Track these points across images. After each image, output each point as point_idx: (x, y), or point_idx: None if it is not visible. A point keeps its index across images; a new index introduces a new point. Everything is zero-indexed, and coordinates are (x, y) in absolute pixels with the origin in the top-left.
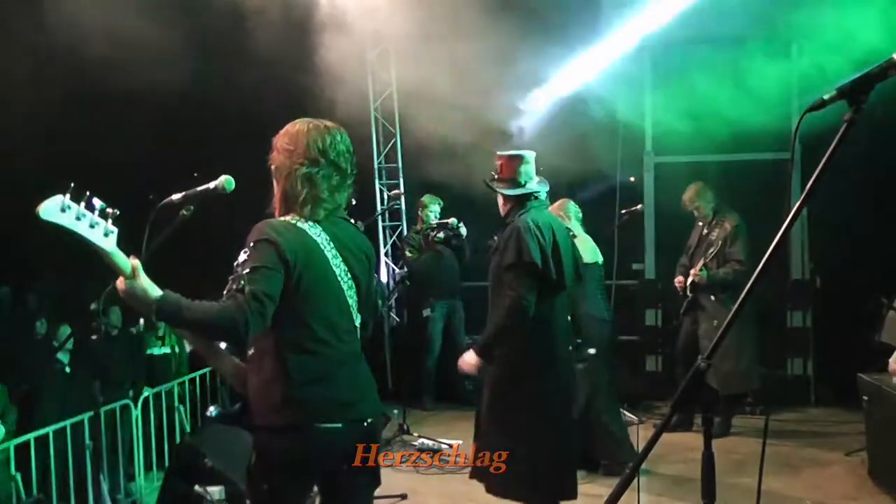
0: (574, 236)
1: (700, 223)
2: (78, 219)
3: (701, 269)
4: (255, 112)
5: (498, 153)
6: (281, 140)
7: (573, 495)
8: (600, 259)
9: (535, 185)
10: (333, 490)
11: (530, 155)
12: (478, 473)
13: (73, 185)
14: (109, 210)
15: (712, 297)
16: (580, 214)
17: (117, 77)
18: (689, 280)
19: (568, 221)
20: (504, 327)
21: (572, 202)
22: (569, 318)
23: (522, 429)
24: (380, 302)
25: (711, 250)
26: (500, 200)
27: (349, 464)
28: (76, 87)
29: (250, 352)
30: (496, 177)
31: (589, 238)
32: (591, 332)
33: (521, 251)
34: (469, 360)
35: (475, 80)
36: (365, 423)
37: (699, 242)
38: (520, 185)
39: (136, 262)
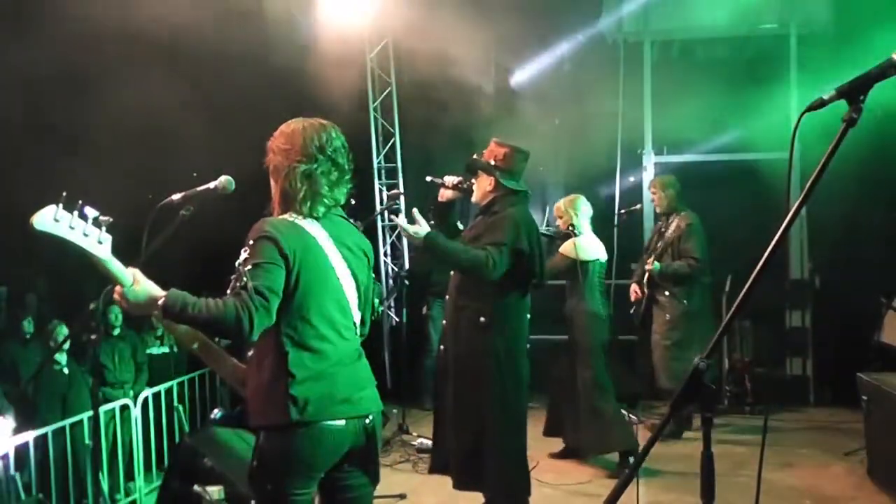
0: (576, 234)
1: (659, 223)
2: (71, 228)
3: (654, 263)
4: (254, 112)
5: (501, 142)
6: (277, 141)
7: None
8: (603, 257)
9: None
10: (333, 488)
11: (529, 154)
12: (440, 467)
13: (64, 194)
14: (102, 218)
15: (666, 293)
16: (591, 212)
17: (111, 77)
18: (644, 275)
19: (574, 218)
20: (462, 254)
21: (583, 198)
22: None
23: (493, 420)
24: (376, 301)
25: (661, 243)
26: (485, 187)
27: (350, 462)
28: (76, 89)
29: (249, 353)
30: (495, 164)
31: (593, 235)
32: (589, 329)
33: (514, 235)
34: (415, 228)
35: (475, 78)
36: (366, 421)
37: (659, 239)
38: (517, 180)
39: (133, 269)
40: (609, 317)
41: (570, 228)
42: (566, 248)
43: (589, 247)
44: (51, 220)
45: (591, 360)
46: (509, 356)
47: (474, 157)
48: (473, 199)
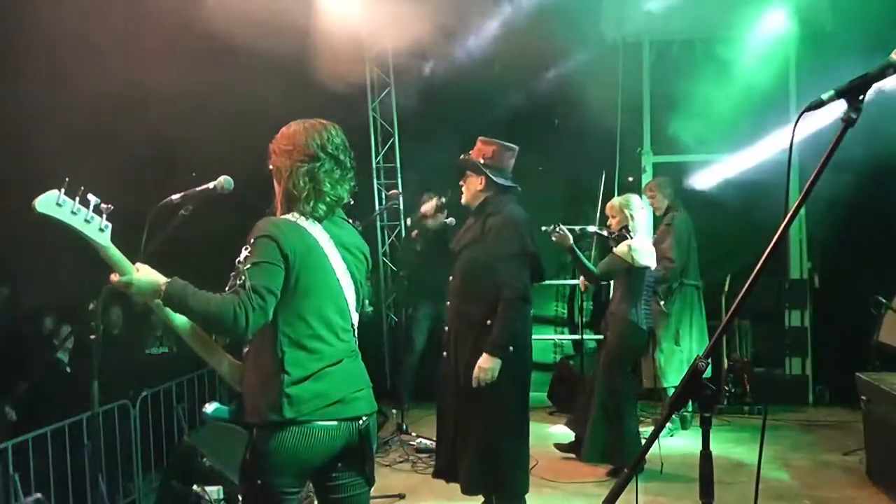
0: (630, 237)
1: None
2: (73, 213)
3: None
4: (253, 113)
5: (488, 140)
6: (278, 143)
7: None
8: (653, 265)
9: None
10: (329, 489)
11: (516, 149)
12: (445, 472)
13: (67, 180)
14: (104, 206)
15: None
16: (648, 214)
17: (111, 78)
18: None
19: (630, 220)
20: (513, 321)
21: (637, 197)
22: None
23: (501, 423)
24: (366, 301)
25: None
26: (475, 187)
27: (343, 462)
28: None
29: (245, 349)
30: (484, 162)
31: (647, 240)
32: (623, 338)
33: (523, 242)
34: (486, 365)
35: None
36: (360, 422)
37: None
38: (506, 176)
39: (139, 264)
40: (649, 330)
41: (624, 230)
42: (621, 250)
43: (643, 251)
44: (53, 203)
45: (617, 368)
46: (516, 357)
47: (462, 157)
48: (463, 200)
